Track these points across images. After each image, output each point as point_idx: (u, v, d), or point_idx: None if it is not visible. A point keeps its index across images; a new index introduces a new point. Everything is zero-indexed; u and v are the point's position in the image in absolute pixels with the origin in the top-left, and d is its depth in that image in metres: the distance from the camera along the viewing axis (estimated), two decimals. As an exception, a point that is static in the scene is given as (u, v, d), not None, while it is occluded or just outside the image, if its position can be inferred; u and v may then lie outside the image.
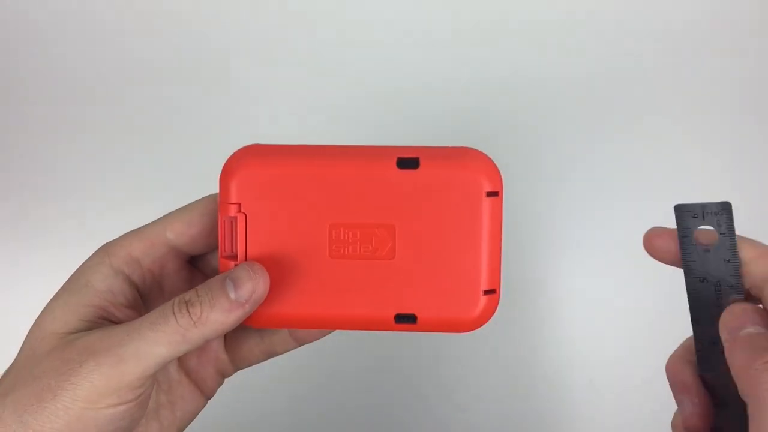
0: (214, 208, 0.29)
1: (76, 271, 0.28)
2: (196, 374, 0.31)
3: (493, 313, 0.29)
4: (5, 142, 0.52)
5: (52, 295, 0.28)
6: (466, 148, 0.28)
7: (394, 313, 0.28)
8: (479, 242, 0.28)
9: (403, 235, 0.28)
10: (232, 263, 0.28)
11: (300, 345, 0.32)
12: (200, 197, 0.30)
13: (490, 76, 0.51)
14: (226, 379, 0.33)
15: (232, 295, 0.26)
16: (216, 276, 0.27)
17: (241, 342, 0.32)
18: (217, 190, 0.28)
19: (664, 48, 0.50)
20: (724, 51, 0.50)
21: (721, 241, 0.27)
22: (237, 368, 0.32)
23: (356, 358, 0.52)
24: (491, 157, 0.28)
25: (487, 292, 0.28)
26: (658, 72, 0.50)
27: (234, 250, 0.28)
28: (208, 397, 0.32)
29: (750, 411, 0.24)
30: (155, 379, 0.28)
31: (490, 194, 0.28)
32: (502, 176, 0.28)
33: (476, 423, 0.52)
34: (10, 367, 0.27)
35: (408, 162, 0.27)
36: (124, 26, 0.52)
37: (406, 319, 0.28)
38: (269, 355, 0.32)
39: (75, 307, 0.27)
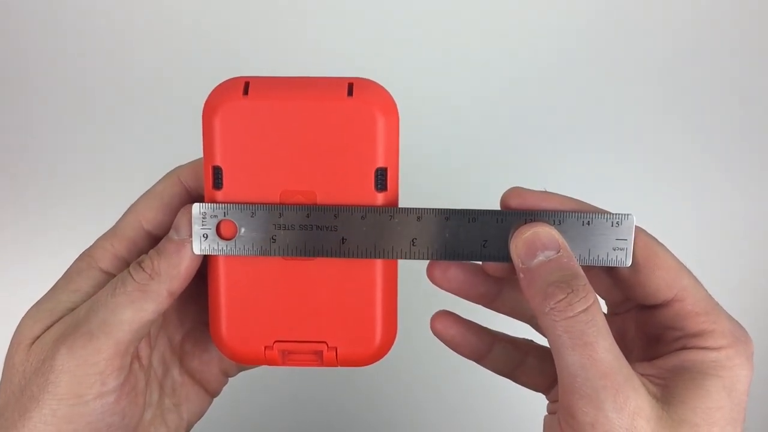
0: (179, 189, 0.28)
1: (62, 280, 0.27)
2: (200, 375, 0.31)
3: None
4: (7, 143, 0.51)
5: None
6: None
7: None
8: None
9: None
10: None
11: None
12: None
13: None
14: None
15: (175, 237, 0.26)
16: None
17: None
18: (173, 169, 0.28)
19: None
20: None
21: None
22: (241, 368, 0.32)
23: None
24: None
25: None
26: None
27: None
28: (214, 396, 0.31)
29: (551, 347, 0.24)
30: (143, 366, 0.28)
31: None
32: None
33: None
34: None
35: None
36: (129, 30, 0.51)
37: None
38: None
39: (62, 311, 0.26)
